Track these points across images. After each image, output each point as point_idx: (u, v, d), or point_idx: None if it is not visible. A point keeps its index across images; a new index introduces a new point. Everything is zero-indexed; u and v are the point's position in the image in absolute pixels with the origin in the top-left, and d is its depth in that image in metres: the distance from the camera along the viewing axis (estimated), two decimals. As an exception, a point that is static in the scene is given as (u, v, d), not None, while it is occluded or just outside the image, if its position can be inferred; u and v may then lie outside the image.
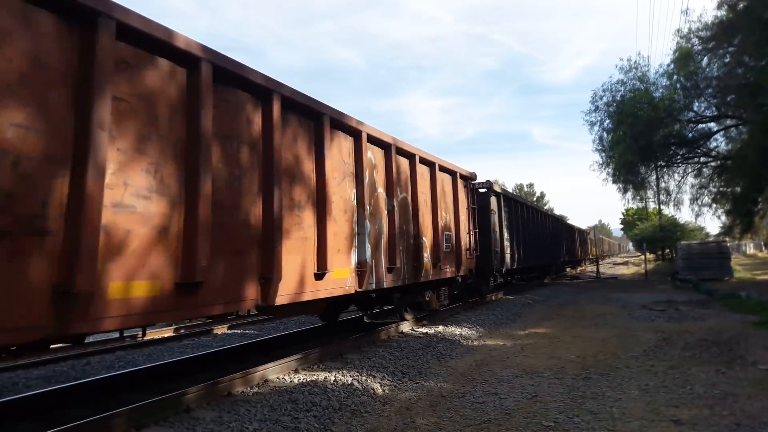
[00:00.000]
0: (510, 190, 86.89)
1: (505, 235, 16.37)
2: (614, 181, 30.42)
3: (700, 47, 23.63)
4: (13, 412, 5.38)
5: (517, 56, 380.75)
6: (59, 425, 4.44)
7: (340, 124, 7.64)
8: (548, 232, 24.95)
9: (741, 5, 18.62)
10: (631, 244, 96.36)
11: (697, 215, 31.52)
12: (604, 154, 29.48)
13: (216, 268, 5.18)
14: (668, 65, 26.57)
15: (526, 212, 20.15)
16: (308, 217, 6.77)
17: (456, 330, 10.39)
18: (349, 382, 6.43)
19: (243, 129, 5.81)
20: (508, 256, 16.54)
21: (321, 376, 6.57)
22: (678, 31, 28.39)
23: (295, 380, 6.38)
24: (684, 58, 24.12)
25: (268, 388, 6.10)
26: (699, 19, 23.17)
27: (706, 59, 23.69)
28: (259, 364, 6.67)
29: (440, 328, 10.40)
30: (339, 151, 7.66)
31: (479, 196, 14.34)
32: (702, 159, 29.18)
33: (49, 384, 7.18)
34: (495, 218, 15.27)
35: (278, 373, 6.66)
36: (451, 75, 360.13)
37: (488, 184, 14.89)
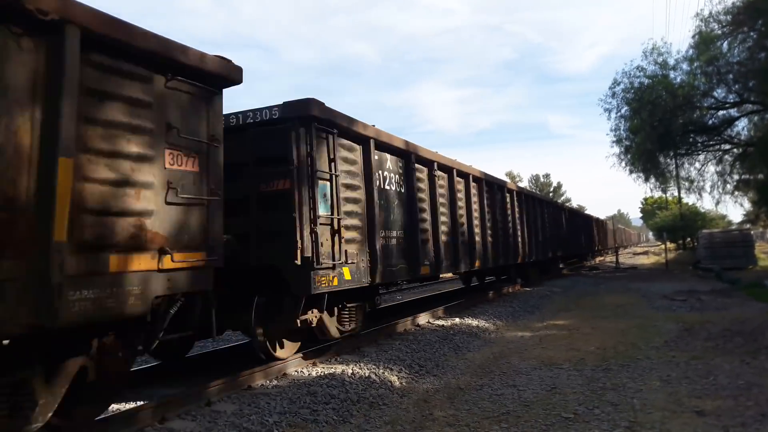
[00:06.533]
0: (526, 181, 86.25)
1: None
2: (633, 171, 29.82)
3: (720, 31, 23.13)
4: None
5: (533, 46, 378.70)
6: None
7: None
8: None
9: (763, -13, 18.18)
10: (651, 233, 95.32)
11: (718, 203, 30.94)
12: (621, 144, 28.93)
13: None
14: (687, 50, 26.03)
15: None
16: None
17: (473, 322, 10.35)
18: (367, 374, 6.43)
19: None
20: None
21: (339, 369, 6.59)
22: (698, 14, 27.76)
23: (314, 373, 6.40)
24: (704, 42, 23.56)
25: (287, 381, 6.12)
26: (720, 1, 22.55)
27: (726, 44, 23.19)
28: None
29: (457, 320, 10.36)
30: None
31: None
32: (723, 146, 28.60)
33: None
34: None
35: (297, 366, 6.69)
36: (466, 66, 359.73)
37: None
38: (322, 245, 6.41)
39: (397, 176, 8.91)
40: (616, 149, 29.26)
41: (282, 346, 6.89)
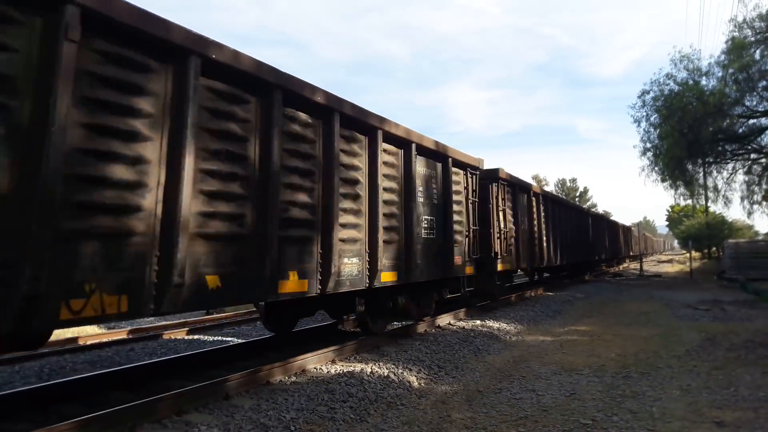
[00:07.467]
0: (552, 185, 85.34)
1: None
2: (662, 180, 29.38)
3: (753, 38, 22.73)
4: (61, 393, 5.60)
5: (564, 49, 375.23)
6: (104, 408, 4.61)
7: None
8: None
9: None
10: (676, 241, 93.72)
11: (749, 213, 30.37)
12: (649, 152, 28.55)
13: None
14: (720, 56, 25.59)
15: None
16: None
17: (494, 325, 10.33)
18: (385, 374, 6.47)
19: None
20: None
21: (357, 367, 6.63)
22: (732, 19, 27.19)
23: (332, 371, 6.45)
24: (737, 48, 23.18)
25: (305, 377, 6.18)
26: (755, 8, 22.23)
27: (759, 52, 22.78)
28: (297, 354, 6.78)
29: (477, 322, 10.35)
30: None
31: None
32: (753, 156, 28.10)
33: (95, 369, 7.44)
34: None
35: (316, 363, 6.74)
36: (497, 68, 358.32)
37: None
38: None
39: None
40: (645, 161, 28.93)
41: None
